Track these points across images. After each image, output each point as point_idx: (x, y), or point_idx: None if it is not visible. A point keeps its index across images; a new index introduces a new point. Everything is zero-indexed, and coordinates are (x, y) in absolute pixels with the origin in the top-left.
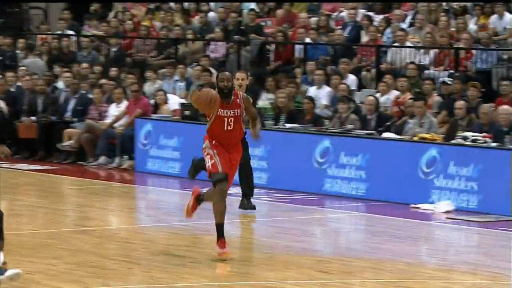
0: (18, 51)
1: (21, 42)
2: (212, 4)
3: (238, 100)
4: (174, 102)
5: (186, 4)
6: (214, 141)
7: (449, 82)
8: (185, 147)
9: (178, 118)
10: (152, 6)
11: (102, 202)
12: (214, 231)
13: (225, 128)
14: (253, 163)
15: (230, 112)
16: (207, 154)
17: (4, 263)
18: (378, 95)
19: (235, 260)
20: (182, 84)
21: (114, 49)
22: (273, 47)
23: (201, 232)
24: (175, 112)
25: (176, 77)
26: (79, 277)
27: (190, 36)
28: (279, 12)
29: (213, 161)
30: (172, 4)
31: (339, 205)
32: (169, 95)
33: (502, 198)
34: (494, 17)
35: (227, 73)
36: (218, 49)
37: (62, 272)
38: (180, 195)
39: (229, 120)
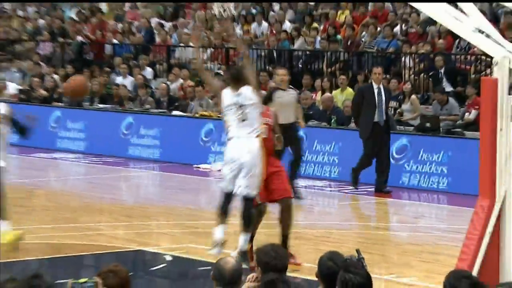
0: None
1: None
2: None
3: None
4: (12, 87)
5: (21, 13)
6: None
7: (222, 74)
8: None
9: (16, 100)
10: None
11: None
12: None
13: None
14: (75, 135)
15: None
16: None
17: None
18: (168, 83)
19: (58, 208)
20: (18, 75)
21: None
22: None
23: None
24: (13, 96)
25: (14, 69)
26: None
27: (25, 38)
28: (93, 20)
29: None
30: (9, 11)
31: (140, 166)
32: (8, 83)
33: None
34: (254, 24)
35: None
36: (46, 48)
37: None
38: None
39: None
